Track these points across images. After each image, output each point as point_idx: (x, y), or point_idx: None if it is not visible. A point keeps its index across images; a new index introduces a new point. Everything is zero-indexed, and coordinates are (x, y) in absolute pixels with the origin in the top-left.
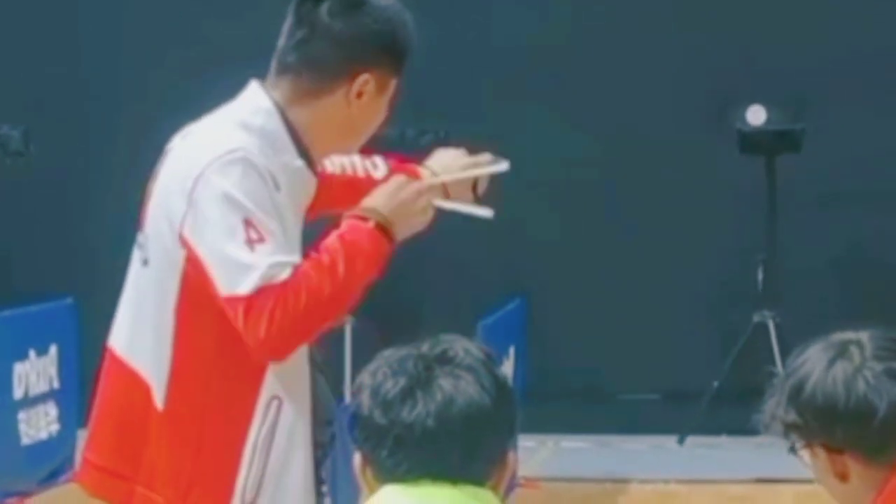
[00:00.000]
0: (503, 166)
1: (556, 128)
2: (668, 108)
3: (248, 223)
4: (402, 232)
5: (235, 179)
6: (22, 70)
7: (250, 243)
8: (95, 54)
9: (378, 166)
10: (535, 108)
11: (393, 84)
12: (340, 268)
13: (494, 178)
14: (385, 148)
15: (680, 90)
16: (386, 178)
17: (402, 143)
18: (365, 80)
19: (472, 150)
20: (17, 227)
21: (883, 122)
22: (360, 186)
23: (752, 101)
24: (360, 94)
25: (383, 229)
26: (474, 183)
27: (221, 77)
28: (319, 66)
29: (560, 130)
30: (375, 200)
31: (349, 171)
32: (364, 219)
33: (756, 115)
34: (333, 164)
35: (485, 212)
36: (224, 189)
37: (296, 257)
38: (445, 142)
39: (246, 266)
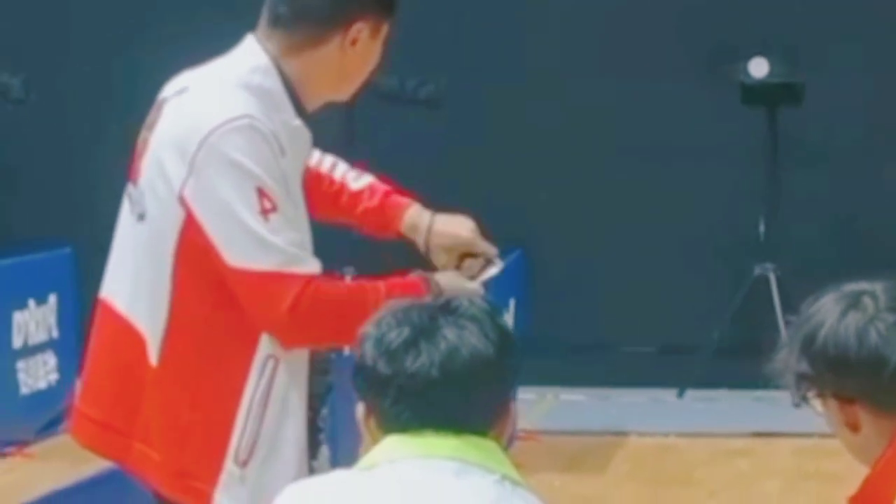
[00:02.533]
0: (497, 269)
1: (556, 78)
2: (671, 60)
3: (259, 191)
4: None
5: (243, 146)
6: (21, 19)
7: (264, 213)
8: (97, 5)
9: (361, 179)
10: (535, 59)
11: (385, 28)
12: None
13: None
14: (384, 98)
15: (682, 42)
16: (362, 193)
17: (401, 93)
18: (359, 28)
19: (475, 112)
20: (16, 175)
21: (883, 75)
22: (328, 186)
23: (755, 53)
24: (354, 42)
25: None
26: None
27: (216, 23)
28: (312, 17)
29: (560, 81)
30: (447, 280)
31: (326, 170)
32: (427, 282)
33: (758, 68)
34: (315, 155)
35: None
36: (232, 155)
37: (307, 234)
38: (444, 93)
39: (264, 240)
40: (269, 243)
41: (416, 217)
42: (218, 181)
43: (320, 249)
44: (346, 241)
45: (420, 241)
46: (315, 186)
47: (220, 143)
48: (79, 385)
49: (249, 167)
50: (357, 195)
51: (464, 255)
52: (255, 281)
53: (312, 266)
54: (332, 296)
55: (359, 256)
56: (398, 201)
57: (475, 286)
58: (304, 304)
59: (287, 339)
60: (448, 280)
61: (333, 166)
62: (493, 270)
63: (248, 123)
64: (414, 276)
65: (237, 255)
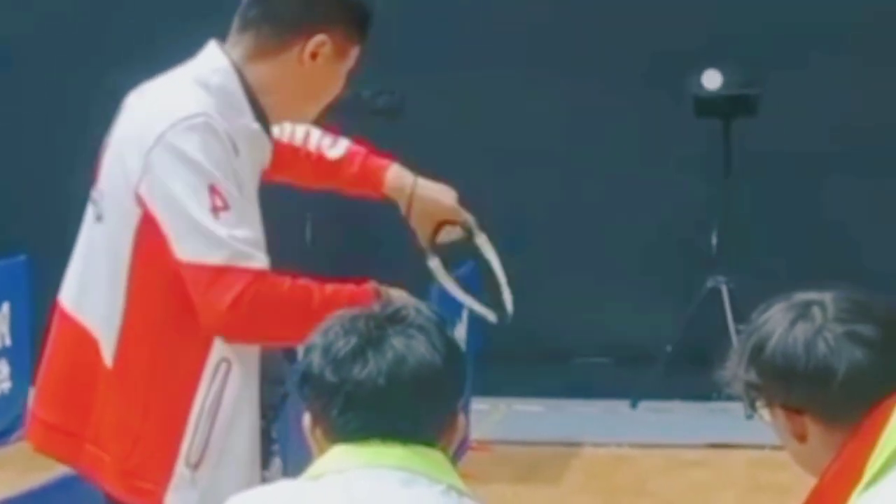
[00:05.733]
0: (491, 317)
1: (513, 90)
2: (625, 71)
3: (212, 189)
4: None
5: (197, 144)
6: None
7: (215, 210)
8: (50, 8)
9: (337, 147)
10: (493, 70)
11: (353, 52)
12: (336, 304)
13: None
14: (340, 108)
15: (635, 53)
16: (341, 161)
17: (357, 104)
18: (321, 41)
19: (433, 122)
20: None
21: (836, 85)
22: (304, 159)
23: (708, 65)
24: (314, 55)
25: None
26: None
27: (177, 34)
28: (278, 21)
29: (517, 92)
30: (400, 298)
31: (299, 140)
32: (378, 294)
33: (711, 80)
34: (286, 130)
35: (491, 316)
36: (186, 153)
37: (259, 232)
38: (401, 103)
39: (213, 235)
40: (217, 238)
41: (398, 179)
42: (172, 178)
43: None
44: None
45: (402, 202)
46: (291, 159)
47: (175, 140)
48: (33, 389)
49: (203, 165)
50: (336, 164)
51: (442, 223)
52: (202, 275)
53: (260, 262)
54: (275, 293)
55: None
56: (377, 164)
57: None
58: (246, 300)
59: (228, 334)
60: (401, 297)
61: (307, 136)
62: (487, 315)
63: (204, 122)
64: (368, 286)
65: (187, 249)
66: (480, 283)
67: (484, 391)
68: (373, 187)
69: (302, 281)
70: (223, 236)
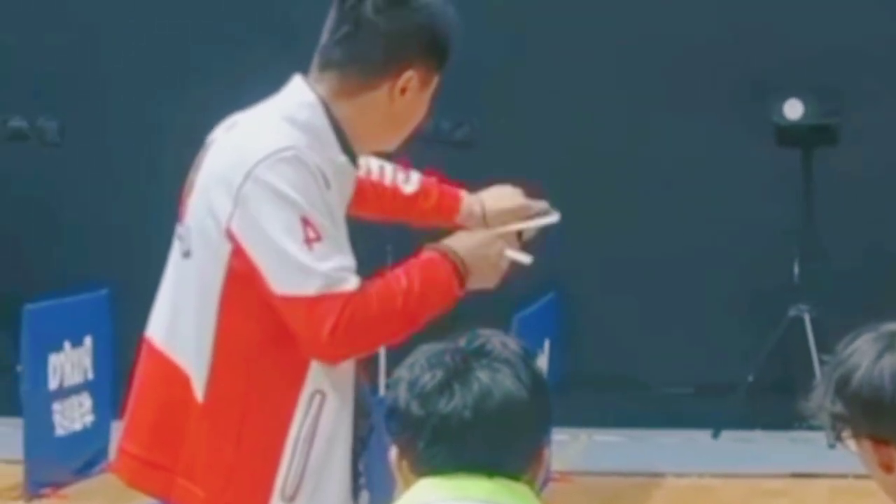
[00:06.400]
0: (555, 218)
1: (592, 121)
2: (705, 101)
3: (304, 221)
4: (475, 283)
5: (289, 178)
6: (57, 64)
7: (308, 242)
8: (131, 50)
9: (411, 181)
10: (570, 102)
11: (435, 79)
12: (416, 292)
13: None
14: (420, 140)
15: (717, 82)
16: (416, 196)
17: (436, 135)
18: (409, 76)
19: (510, 145)
20: (52, 218)
21: None
22: (382, 194)
23: (789, 94)
24: (403, 90)
25: (459, 274)
26: (522, 231)
27: (260, 68)
28: (364, 62)
29: (596, 124)
30: (458, 244)
31: (375, 176)
32: (444, 256)
33: (793, 109)
34: (365, 165)
35: (526, 259)
36: (278, 187)
37: (351, 259)
38: (480, 134)
39: (307, 268)
40: (311, 270)
41: (469, 206)
42: (264, 213)
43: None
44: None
45: (479, 226)
46: (371, 194)
47: (265, 175)
48: (122, 424)
49: (294, 198)
50: (412, 198)
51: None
52: (299, 307)
53: (351, 285)
54: (367, 311)
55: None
56: (451, 196)
57: (491, 236)
58: (342, 326)
59: (333, 360)
60: (461, 243)
61: (381, 171)
62: (549, 219)
63: (294, 155)
64: (428, 252)
65: (283, 283)
66: (556, 315)
67: (565, 421)
68: (448, 219)
69: (384, 286)
70: (316, 267)
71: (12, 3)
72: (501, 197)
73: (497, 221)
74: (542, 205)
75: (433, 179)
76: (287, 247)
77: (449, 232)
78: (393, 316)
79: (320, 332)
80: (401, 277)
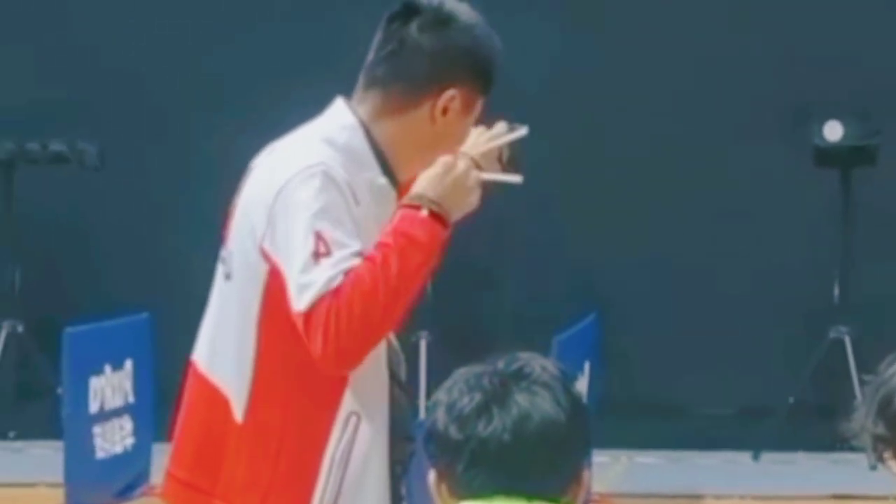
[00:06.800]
0: (523, 131)
1: (631, 140)
2: (744, 122)
3: (318, 235)
4: (456, 214)
5: (313, 192)
6: (98, 87)
7: (316, 256)
8: (172, 72)
9: None
10: (610, 120)
11: (479, 104)
12: (394, 264)
13: (520, 146)
14: None
15: (756, 104)
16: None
17: None
18: (451, 96)
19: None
20: (93, 242)
21: None
22: None
23: (828, 116)
24: (445, 111)
25: (436, 215)
26: (500, 153)
27: (303, 92)
28: (408, 79)
29: (637, 143)
30: (424, 186)
31: None
32: (415, 207)
33: (833, 131)
34: None
35: (515, 178)
36: (300, 201)
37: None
38: (519, 154)
39: (306, 282)
40: (308, 284)
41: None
42: (286, 227)
43: None
44: None
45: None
46: None
47: (292, 191)
48: (159, 446)
49: (313, 211)
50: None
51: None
52: (300, 324)
53: (329, 282)
54: (349, 310)
55: None
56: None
57: (448, 161)
58: (331, 334)
59: (341, 368)
60: (426, 182)
61: None
62: (517, 133)
63: (322, 169)
64: (400, 210)
65: (293, 299)
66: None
67: (605, 443)
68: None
69: (357, 278)
70: (313, 280)
71: (52, 29)
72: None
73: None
74: (501, 125)
75: None
76: (297, 261)
77: None
78: (378, 303)
79: (316, 346)
80: (376, 255)
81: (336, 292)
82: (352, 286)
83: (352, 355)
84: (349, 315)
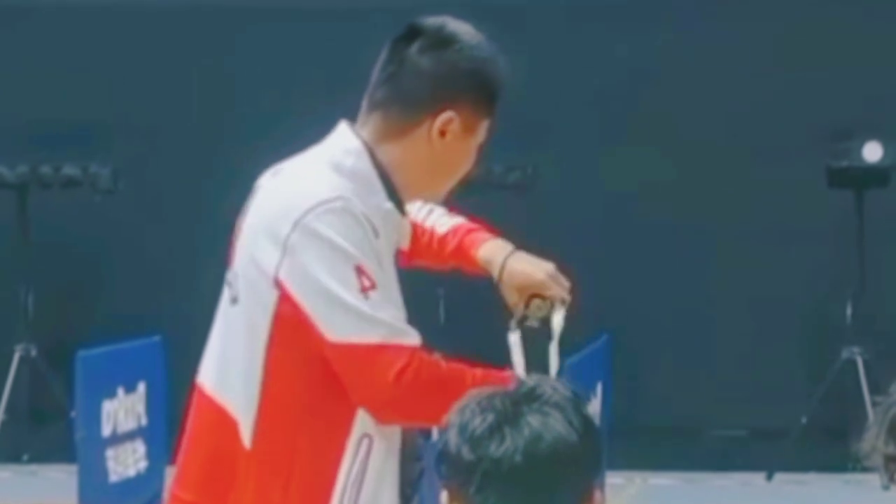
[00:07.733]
0: (558, 318)
1: (646, 164)
2: (757, 144)
3: (359, 270)
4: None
5: (338, 227)
6: (111, 110)
7: (364, 291)
8: (181, 94)
9: (447, 224)
10: (625, 144)
11: (482, 127)
12: (461, 387)
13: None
14: (471, 184)
15: (770, 126)
16: (445, 238)
17: (488, 180)
18: (448, 118)
19: (564, 190)
20: (106, 265)
21: None
22: (421, 237)
23: (841, 138)
24: (443, 133)
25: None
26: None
27: (308, 116)
28: (406, 101)
29: (650, 166)
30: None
31: (420, 219)
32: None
33: (872, 152)
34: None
35: (554, 362)
36: (328, 237)
37: (402, 310)
38: (533, 178)
39: (368, 316)
40: (370, 318)
41: (491, 253)
42: (315, 263)
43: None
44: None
45: (494, 275)
46: (418, 241)
47: (314, 225)
48: (172, 469)
49: (346, 247)
50: (443, 239)
51: (533, 296)
52: (358, 354)
53: (415, 338)
54: (434, 372)
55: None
56: (476, 238)
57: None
58: (408, 377)
59: (389, 410)
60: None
61: (428, 214)
62: (555, 316)
63: (343, 206)
64: (509, 373)
65: (340, 330)
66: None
67: (619, 465)
68: (469, 261)
69: (452, 363)
70: (376, 315)
71: (65, 52)
72: (530, 262)
73: (509, 278)
74: (560, 292)
75: (466, 224)
76: (342, 295)
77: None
78: (457, 391)
79: (382, 380)
80: (477, 371)
81: (429, 353)
82: (447, 363)
83: (403, 411)
84: (431, 375)
